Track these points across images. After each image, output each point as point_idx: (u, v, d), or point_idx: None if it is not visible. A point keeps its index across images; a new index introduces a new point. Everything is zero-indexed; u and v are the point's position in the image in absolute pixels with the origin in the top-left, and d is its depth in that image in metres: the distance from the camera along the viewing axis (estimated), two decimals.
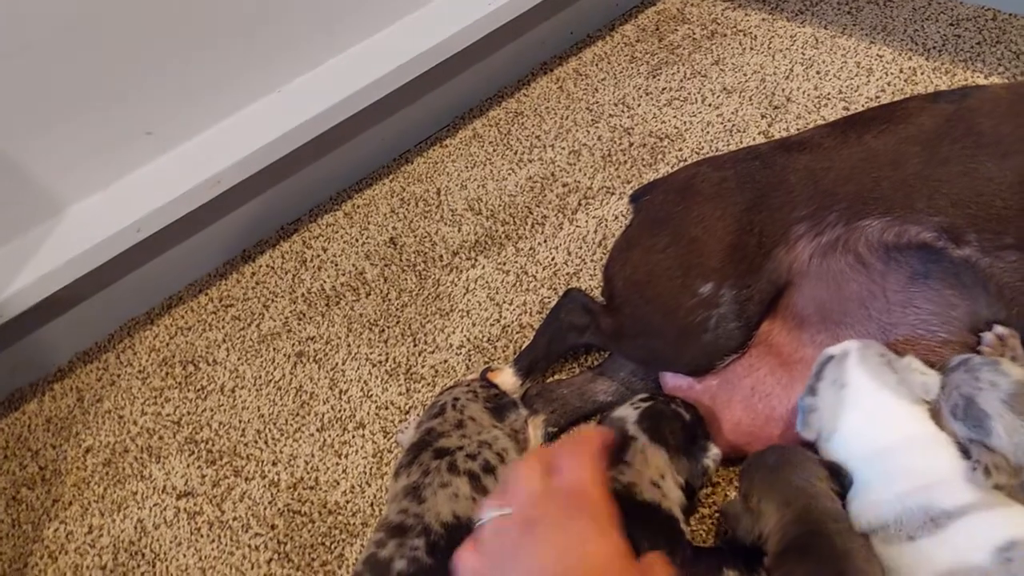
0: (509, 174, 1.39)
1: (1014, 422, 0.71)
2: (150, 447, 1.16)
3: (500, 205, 1.34)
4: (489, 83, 1.55)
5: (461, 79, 1.50)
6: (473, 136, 1.49)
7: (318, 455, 1.09)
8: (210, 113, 1.29)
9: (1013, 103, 0.85)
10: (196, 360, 1.26)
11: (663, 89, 1.44)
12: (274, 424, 1.15)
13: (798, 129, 1.27)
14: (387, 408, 1.12)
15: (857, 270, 0.86)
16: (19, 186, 1.18)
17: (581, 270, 1.20)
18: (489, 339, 1.16)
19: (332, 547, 0.99)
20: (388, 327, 1.22)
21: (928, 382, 0.76)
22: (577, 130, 1.43)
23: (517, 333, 1.15)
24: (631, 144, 1.37)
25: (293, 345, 1.24)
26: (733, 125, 1.33)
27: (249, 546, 1.02)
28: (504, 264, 1.25)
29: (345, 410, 1.14)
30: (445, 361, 1.15)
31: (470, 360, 1.14)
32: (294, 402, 1.17)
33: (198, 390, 1.22)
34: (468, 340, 1.17)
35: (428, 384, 1.13)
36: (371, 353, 1.19)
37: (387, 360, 1.18)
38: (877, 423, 0.78)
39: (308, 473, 1.08)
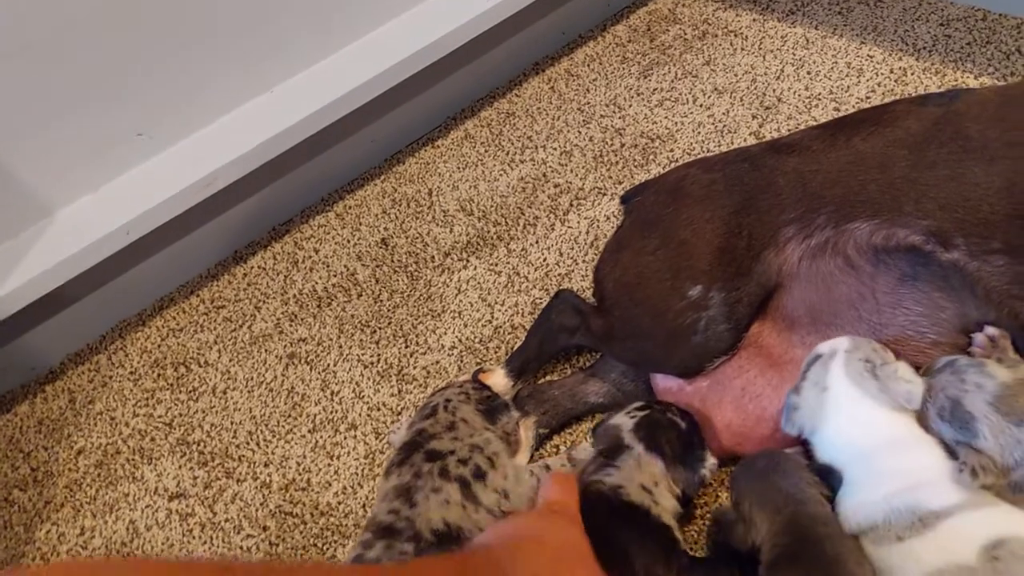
0: (501, 175, 1.40)
1: (1000, 423, 0.72)
2: (142, 449, 1.16)
3: (492, 206, 1.35)
4: (481, 84, 1.55)
5: (453, 80, 1.50)
6: (465, 137, 1.49)
7: (310, 456, 1.10)
8: (201, 114, 1.29)
9: (1000, 107, 0.85)
10: (188, 361, 1.26)
11: (654, 90, 1.45)
12: (266, 425, 1.15)
13: (789, 130, 1.28)
14: (379, 409, 1.12)
15: (846, 272, 0.87)
16: (9, 188, 1.18)
17: (573, 271, 1.21)
18: (481, 340, 1.16)
19: (324, 548, 1.00)
20: (380, 328, 1.22)
21: (912, 390, 0.77)
22: (569, 131, 1.43)
23: (509, 334, 1.15)
24: (622, 145, 1.37)
25: (285, 346, 1.24)
26: (724, 126, 1.34)
27: (241, 547, 1.02)
28: (496, 265, 1.25)
29: (337, 411, 1.14)
30: (437, 362, 1.15)
31: (462, 361, 1.14)
32: (286, 403, 1.17)
33: (190, 392, 1.22)
34: (460, 341, 1.17)
35: (420, 385, 1.13)
36: (363, 354, 1.19)
37: (379, 361, 1.18)
38: (859, 429, 0.79)
39: (300, 474, 1.08)
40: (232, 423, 1.16)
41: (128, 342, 1.32)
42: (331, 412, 1.14)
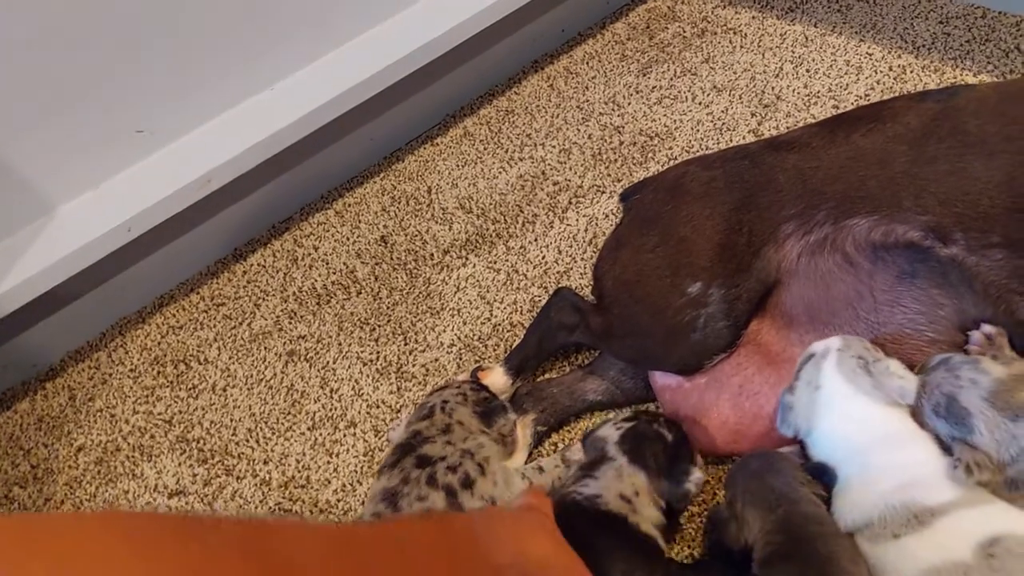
0: (500, 172, 1.40)
1: (995, 419, 0.72)
2: (142, 446, 1.17)
3: (491, 203, 1.35)
4: (480, 81, 1.55)
5: (452, 77, 1.50)
6: (464, 134, 1.50)
7: (309, 454, 1.10)
8: (201, 111, 1.29)
9: (999, 103, 0.85)
10: (187, 359, 1.27)
11: (653, 87, 1.45)
12: (265, 423, 1.15)
13: (788, 127, 1.28)
14: (378, 407, 1.12)
15: (845, 269, 0.87)
16: (9, 185, 1.18)
17: (571, 268, 1.21)
18: (480, 338, 1.16)
19: None
20: (379, 326, 1.22)
21: (905, 386, 0.77)
22: (568, 128, 1.43)
23: (508, 332, 1.15)
24: (621, 142, 1.37)
25: (284, 344, 1.24)
26: (723, 123, 1.34)
27: None
28: (495, 263, 1.25)
29: (336, 409, 1.14)
30: (436, 360, 1.15)
31: (461, 359, 1.14)
32: (285, 401, 1.17)
33: (189, 389, 1.22)
34: (459, 339, 1.17)
35: (419, 383, 1.13)
36: (362, 352, 1.20)
37: (378, 359, 1.18)
38: (853, 426, 0.79)
39: (299, 472, 1.08)
40: (232, 420, 1.16)
41: (128, 339, 1.32)
42: (330, 409, 1.14)
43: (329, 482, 1.06)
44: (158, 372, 1.26)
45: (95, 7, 1.12)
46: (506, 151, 1.43)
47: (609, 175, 1.33)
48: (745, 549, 0.76)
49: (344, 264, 1.33)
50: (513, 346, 1.09)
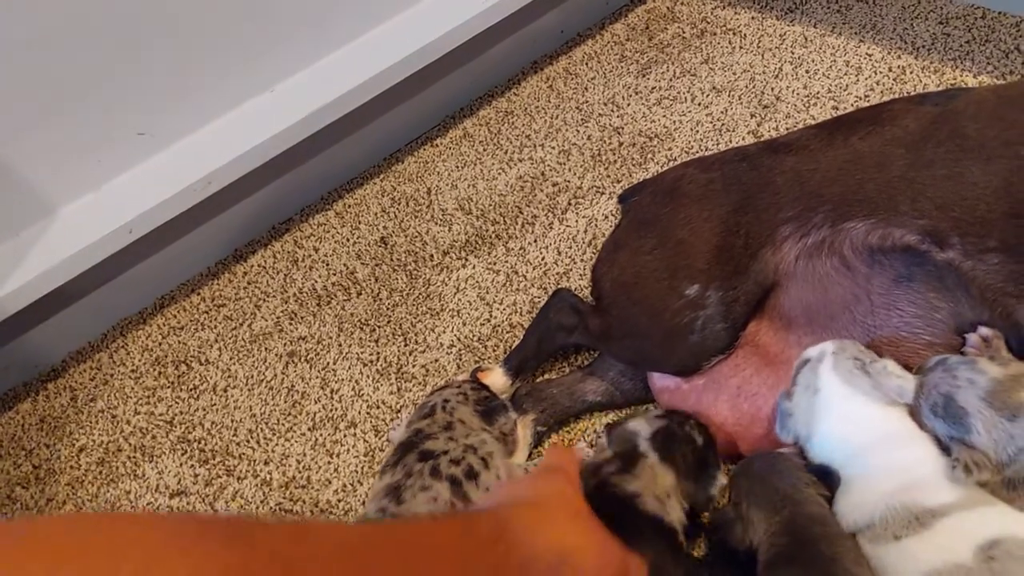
0: (499, 174, 1.40)
1: (993, 418, 0.72)
2: (143, 446, 1.17)
3: (490, 205, 1.35)
4: (479, 82, 1.56)
5: (451, 79, 1.50)
6: (463, 136, 1.50)
7: (310, 454, 1.10)
8: (201, 113, 1.30)
9: (998, 106, 0.86)
10: (188, 360, 1.27)
11: (653, 88, 1.45)
12: (266, 423, 1.15)
13: (787, 128, 1.28)
14: (378, 407, 1.13)
15: (842, 273, 0.87)
16: (11, 187, 1.18)
17: (571, 269, 1.21)
18: (479, 338, 1.16)
19: None
20: (379, 327, 1.23)
21: (903, 385, 0.77)
22: (567, 129, 1.43)
23: (507, 333, 1.16)
24: (621, 144, 1.37)
25: (285, 345, 1.25)
26: (723, 124, 1.34)
27: None
28: (494, 264, 1.26)
29: (336, 409, 1.14)
30: (436, 360, 1.16)
31: (460, 359, 1.15)
32: (286, 401, 1.17)
33: (191, 389, 1.23)
34: (458, 339, 1.17)
35: (419, 383, 1.14)
36: (362, 352, 1.20)
37: (378, 359, 1.19)
38: (852, 427, 0.79)
39: (300, 472, 1.09)
40: (232, 421, 1.17)
41: (129, 340, 1.33)
42: (331, 410, 1.14)
43: (330, 482, 1.06)
44: (159, 373, 1.26)
45: (96, 9, 1.12)
46: (505, 152, 1.44)
47: (608, 176, 1.33)
48: (750, 550, 0.77)
49: (344, 265, 1.34)
50: (512, 347, 1.10)
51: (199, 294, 1.37)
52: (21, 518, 0.75)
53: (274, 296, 1.33)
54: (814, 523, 0.75)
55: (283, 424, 1.15)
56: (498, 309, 1.19)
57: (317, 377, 1.19)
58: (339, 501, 1.04)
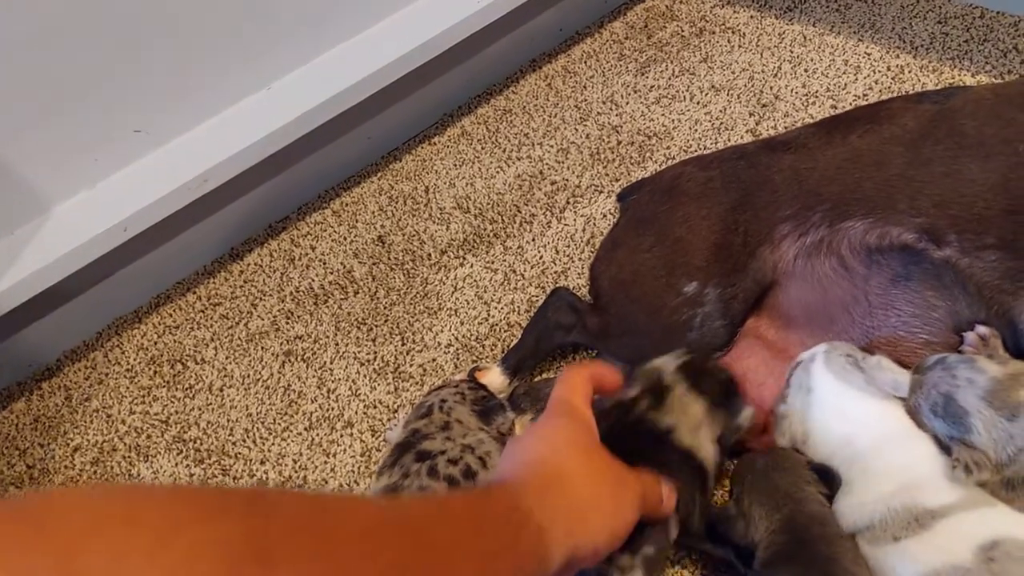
0: (497, 172, 1.40)
1: (993, 417, 0.72)
2: (138, 446, 1.16)
3: (488, 203, 1.35)
4: (477, 80, 1.55)
5: (449, 76, 1.50)
6: (461, 134, 1.49)
7: (306, 454, 1.10)
8: (198, 111, 1.29)
9: (996, 104, 0.85)
10: (184, 359, 1.26)
11: (651, 87, 1.45)
12: (262, 423, 1.15)
13: (786, 127, 1.28)
14: (375, 407, 1.12)
15: (841, 274, 0.87)
16: (5, 184, 1.18)
17: (569, 268, 1.20)
18: (477, 338, 1.16)
19: None
20: (376, 326, 1.22)
21: (897, 379, 0.77)
22: (565, 128, 1.43)
23: (505, 332, 1.15)
24: (619, 142, 1.37)
25: (281, 344, 1.24)
26: (721, 123, 1.33)
27: None
28: (492, 263, 1.25)
29: (333, 409, 1.14)
30: (433, 360, 1.15)
31: (458, 359, 1.14)
32: (282, 401, 1.17)
33: (186, 389, 1.22)
34: (456, 339, 1.17)
35: (416, 383, 1.13)
36: (359, 352, 1.19)
37: (375, 359, 1.18)
38: (848, 424, 0.79)
39: (296, 472, 1.08)
40: (228, 420, 1.16)
41: (124, 339, 1.32)
42: (327, 410, 1.14)
43: (326, 482, 1.06)
44: (155, 372, 1.26)
45: (92, 7, 1.11)
46: (504, 151, 1.43)
47: (607, 175, 1.32)
48: (751, 546, 0.77)
49: (341, 264, 1.33)
50: (510, 346, 1.09)
51: (195, 293, 1.36)
52: (33, 494, 0.74)
53: (271, 295, 1.32)
54: (814, 522, 0.75)
55: (279, 424, 1.14)
56: (496, 308, 1.19)
57: (314, 376, 1.18)
58: None
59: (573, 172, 1.35)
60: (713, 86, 1.40)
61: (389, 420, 1.10)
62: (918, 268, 0.82)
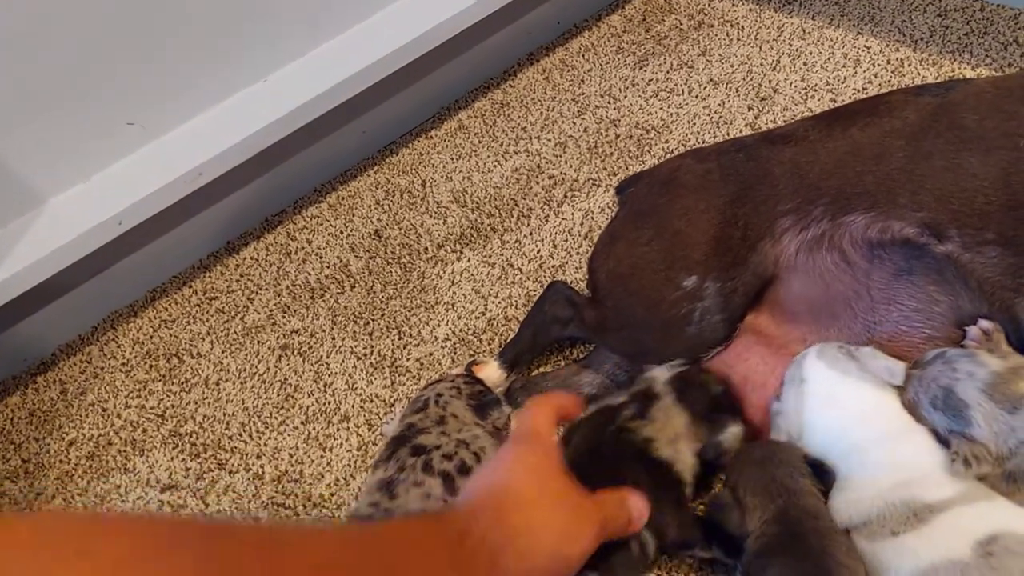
0: (495, 166, 1.39)
1: (993, 410, 0.71)
2: (134, 440, 1.16)
3: (485, 197, 1.34)
4: (475, 74, 1.54)
5: (446, 69, 1.49)
6: (458, 127, 1.49)
7: (303, 448, 1.09)
8: (193, 103, 1.28)
9: (997, 97, 0.85)
10: (180, 353, 1.26)
11: (650, 80, 1.44)
12: (258, 417, 1.14)
13: (785, 121, 1.27)
14: (372, 401, 1.12)
15: (843, 269, 0.86)
16: None
17: (567, 262, 1.20)
18: (474, 332, 1.15)
19: None
20: (373, 320, 1.22)
21: (892, 366, 0.76)
22: (563, 121, 1.42)
23: (502, 326, 1.15)
24: (617, 136, 1.36)
25: (278, 338, 1.23)
26: (720, 117, 1.33)
27: None
28: (489, 257, 1.25)
29: (330, 403, 1.13)
30: (430, 354, 1.15)
31: (455, 353, 1.14)
32: (278, 395, 1.16)
33: (182, 383, 1.21)
34: (453, 333, 1.16)
35: (413, 377, 1.13)
36: (356, 346, 1.19)
37: (372, 353, 1.17)
38: (843, 413, 0.78)
39: (293, 466, 1.08)
40: (224, 414, 1.16)
41: (120, 333, 1.32)
42: (324, 404, 1.13)
43: (323, 476, 1.05)
44: (150, 366, 1.25)
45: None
46: (501, 144, 1.42)
47: (605, 168, 1.32)
48: (745, 536, 0.76)
49: (338, 258, 1.32)
50: (507, 340, 1.09)
51: (191, 287, 1.36)
52: None
53: (267, 289, 1.31)
54: (807, 515, 0.75)
55: (276, 418, 1.14)
56: (493, 302, 1.18)
57: (310, 370, 1.18)
58: (332, 495, 1.03)
59: (571, 166, 1.34)
60: (712, 79, 1.40)
61: (386, 414, 1.09)
62: (920, 262, 0.82)
